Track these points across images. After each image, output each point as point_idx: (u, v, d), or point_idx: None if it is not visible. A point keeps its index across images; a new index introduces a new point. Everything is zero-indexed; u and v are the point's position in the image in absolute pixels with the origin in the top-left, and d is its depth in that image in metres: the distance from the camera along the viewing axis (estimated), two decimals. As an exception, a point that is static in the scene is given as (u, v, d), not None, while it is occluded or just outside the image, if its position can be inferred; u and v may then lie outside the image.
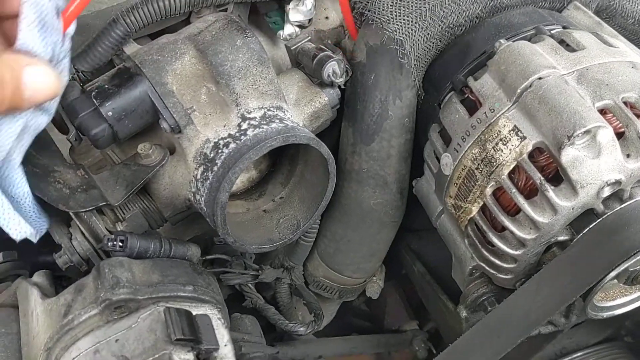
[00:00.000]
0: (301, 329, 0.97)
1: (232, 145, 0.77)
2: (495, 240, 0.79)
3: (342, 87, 0.92)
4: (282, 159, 0.95)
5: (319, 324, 0.99)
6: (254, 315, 0.92)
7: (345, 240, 1.00)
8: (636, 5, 1.00)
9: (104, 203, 0.73)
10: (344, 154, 0.96)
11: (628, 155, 0.73)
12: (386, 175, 0.94)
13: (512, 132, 0.77)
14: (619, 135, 0.74)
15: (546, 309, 0.77)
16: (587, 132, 0.71)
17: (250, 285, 0.96)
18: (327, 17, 1.05)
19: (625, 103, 0.75)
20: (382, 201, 0.96)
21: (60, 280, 0.83)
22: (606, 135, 0.72)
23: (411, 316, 1.31)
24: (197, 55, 0.77)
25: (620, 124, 0.75)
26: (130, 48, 0.79)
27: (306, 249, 1.00)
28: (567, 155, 0.72)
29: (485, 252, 0.82)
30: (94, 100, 0.74)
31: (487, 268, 0.84)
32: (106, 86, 0.75)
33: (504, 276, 0.83)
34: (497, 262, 0.82)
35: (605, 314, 0.84)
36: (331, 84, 0.89)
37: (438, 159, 0.88)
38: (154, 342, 0.64)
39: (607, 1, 0.99)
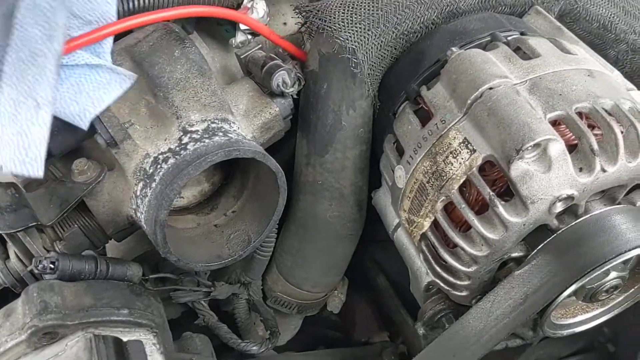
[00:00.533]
0: (254, 347, 0.94)
1: (171, 161, 0.74)
2: (447, 257, 0.76)
3: (295, 96, 0.89)
4: (234, 172, 0.92)
5: (274, 342, 0.97)
6: (207, 333, 0.89)
7: (302, 254, 0.97)
8: (600, 8, 0.97)
9: (35, 223, 0.70)
10: (298, 165, 0.93)
11: (580, 169, 0.70)
12: (342, 187, 0.91)
13: (462, 144, 0.74)
14: (572, 147, 0.71)
15: (500, 329, 0.74)
16: (537, 145, 0.68)
17: (203, 302, 0.93)
18: (285, 23, 1.02)
19: (579, 114, 0.72)
20: (338, 214, 0.93)
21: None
22: (557, 148, 0.69)
23: (382, 327, 1.28)
24: (134, 67, 0.74)
25: (573, 136, 0.72)
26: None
27: (263, 263, 0.97)
28: (517, 170, 0.69)
29: (438, 269, 0.80)
30: (25, 116, 0.71)
31: (442, 284, 0.81)
32: (37, 100, 0.72)
33: (458, 293, 0.80)
34: (451, 279, 0.79)
35: (565, 332, 0.81)
36: (282, 94, 0.86)
37: (393, 171, 0.85)
38: (78, 371, 0.61)
39: (571, 5, 0.96)
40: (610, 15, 0.98)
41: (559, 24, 0.91)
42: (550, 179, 0.69)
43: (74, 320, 0.66)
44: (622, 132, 0.71)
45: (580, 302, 0.80)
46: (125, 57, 0.75)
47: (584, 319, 0.82)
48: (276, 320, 1.00)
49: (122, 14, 0.77)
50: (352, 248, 0.98)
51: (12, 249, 0.75)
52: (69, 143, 0.74)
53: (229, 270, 0.99)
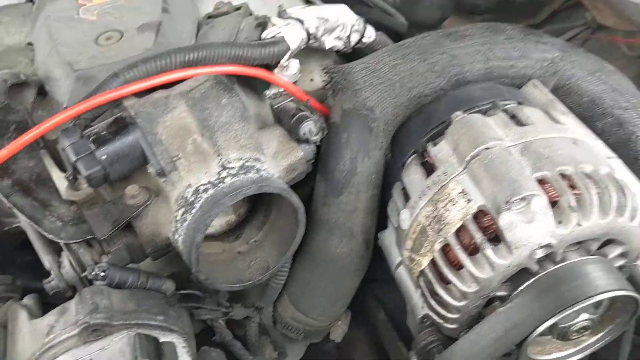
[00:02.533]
0: (261, 363, 1.04)
1: (211, 191, 0.86)
2: (441, 292, 0.88)
3: (318, 144, 1.02)
4: (259, 206, 1.04)
5: (278, 362, 1.07)
6: (223, 350, 1.00)
7: (313, 285, 1.08)
8: (590, 84, 1.10)
9: (91, 236, 0.82)
10: (315, 204, 1.05)
11: (559, 222, 0.81)
12: (353, 226, 1.03)
13: (460, 194, 0.86)
14: (554, 203, 0.83)
15: (483, 358, 0.84)
16: (523, 199, 0.80)
17: (220, 321, 1.04)
18: (312, 80, 1.16)
19: (562, 175, 0.84)
20: (347, 250, 1.04)
21: (47, 306, 0.91)
22: (540, 203, 0.81)
23: (379, 361, 1.37)
24: (187, 110, 0.88)
25: (556, 194, 0.84)
26: (128, 100, 0.89)
27: (276, 291, 1.08)
28: (505, 219, 0.81)
29: (433, 302, 0.90)
30: (91, 145, 0.84)
31: (435, 317, 0.92)
32: (103, 132, 0.85)
33: (449, 325, 0.91)
34: (443, 312, 0.89)
35: (543, 367, 0.91)
36: (307, 141, 0.98)
37: (399, 214, 0.97)
38: (122, 363, 0.72)
39: (564, 81, 1.09)
40: (599, 91, 1.10)
41: (552, 96, 1.05)
42: (532, 229, 0.81)
43: (119, 320, 0.77)
44: (597, 193, 0.83)
45: (555, 341, 0.90)
46: (180, 100, 0.88)
47: (558, 357, 0.92)
48: (285, 343, 1.10)
49: (176, 67, 0.91)
50: (357, 282, 1.09)
51: (65, 258, 0.87)
52: (125, 171, 0.87)
53: (245, 295, 1.10)
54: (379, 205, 1.06)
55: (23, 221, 0.90)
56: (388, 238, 1.03)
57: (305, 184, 1.09)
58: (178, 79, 0.90)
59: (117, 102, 0.88)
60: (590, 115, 1.11)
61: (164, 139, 0.86)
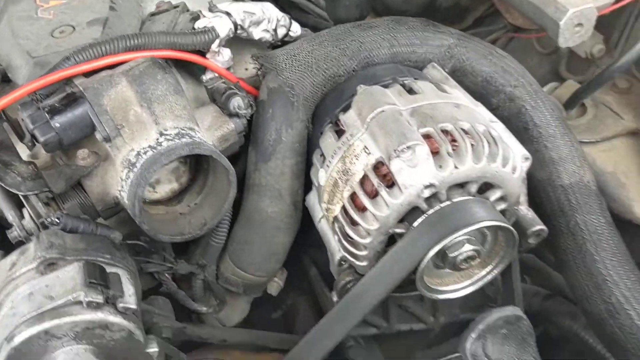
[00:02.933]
0: (204, 308, 1.18)
1: (150, 153, 1.01)
2: (351, 232, 1.04)
3: (248, 118, 1.18)
4: (199, 175, 1.19)
5: (221, 308, 1.21)
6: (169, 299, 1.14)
7: (249, 243, 1.23)
8: (483, 66, 1.28)
9: (48, 190, 0.97)
10: (248, 171, 1.21)
11: (440, 166, 0.98)
12: (281, 189, 1.19)
13: (362, 150, 1.03)
14: (437, 153, 1.00)
15: (388, 283, 1.00)
16: (409, 147, 0.97)
17: (166, 274, 1.18)
18: (246, 69, 1.32)
19: (443, 130, 1.02)
20: (278, 210, 1.20)
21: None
22: (422, 150, 0.97)
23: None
24: (127, 85, 1.03)
25: (438, 146, 1.01)
26: (78, 79, 1.04)
27: (217, 249, 1.23)
28: (395, 165, 0.98)
29: (345, 243, 1.06)
30: (46, 115, 0.99)
31: (349, 257, 1.08)
32: (57, 105, 1.00)
33: (360, 263, 1.06)
34: (354, 250, 1.05)
35: (440, 296, 1.07)
36: (237, 115, 1.14)
37: (318, 175, 1.13)
38: (73, 285, 0.86)
39: (460, 63, 1.27)
40: (492, 72, 1.28)
41: (446, 74, 1.23)
42: (417, 172, 0.97)
43: (71, 256, 0.91)
44: (472, 144, 1.00)
45: (451, 273, 1.06)
46: (122, 78, 1.04)
47: (454, 288, 1.08)
48: (225, 297, 1.24)
49: (118, 51, 1.07)
50: (288, 240, 1.24)
51: (26, 212, 1.01)
52: (76, 137, 1.01)
53: (189, 254, 1.24)
54: (305, 173, 1.22)
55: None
56: (312, 199, 1.19)
57: (240, 161, 1.25)
58: (121, 61, 1.05)
59: (68, 81, 1.03)
60: (485, 92, 1.29)
61: (109, 109, 1.02)
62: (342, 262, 1.11)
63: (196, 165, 1.18)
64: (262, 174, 1.18)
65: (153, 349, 0.94)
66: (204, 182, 1.17)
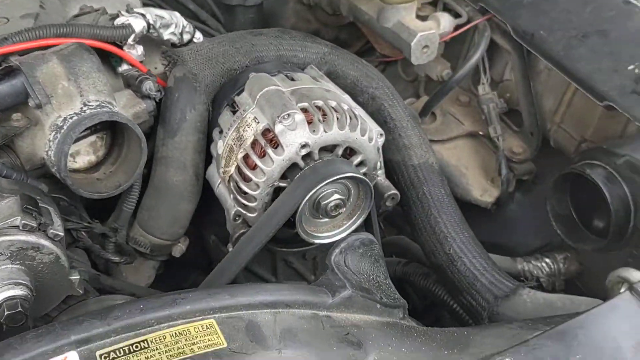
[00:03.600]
0: (115, 258, 1.37)
1: (75, 118, 1.22)
2: (243, 186, 1.28)
3: (157, 101, 1.41)
4: (114, 148, 1.40)
5: (129, 261, 1.40)
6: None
7: (156, 210, 1.43)
8: (350, 71, 1.61)
9: (-18, 147, 1.15)
10: (157, 146, 1.43)
11: (313, 131, 1.27)
12: (185, 161, 1.42)
13: (253, 120, 1.30)
14: (310, 122, 1.28)
15: (271, 228, 1.25)
16: (289, 115, 1.25)
17: (83, 232, 1.36)
18: (155, 67, 1.56)
19: (316, 106, 1.30)
20: (181, 179, 1.42)
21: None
22: (299, 117, 1.25)
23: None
24: (58, 62, 1.24)
25: (312, 116, 1.29)
26: (14, 56, 1.24)
27: (128, 214, 1.42)
28: (278, 128, 1.24)
29: (239, 197, 1.31)
30: (-15, 84, 1.18)
31: (242, 210, 1.32)
32: (-5, 77, 1.19)
33: (251, 215, 1.31)
34: (246, 202, 1.30)
35: (316, 241, 1.33)
36: (148, 97, 1.38)
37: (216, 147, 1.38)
38: (11, 212, 1.04)
39: (332, 67, 1.59)
40: (358, 76, 1.60)
41: (321, 73, 1.53)
42: (295, 134, 1.25)
43: (8, 194, 1.09)
44: (337, 117, 1.30)
45: (325, 222, 1.33)
46: (53, 56, 1.24)
47: (328, 235, 1.35)
48: (134, 256, 1.44)
49: (49, 36, 1.28)
50: (191, 207, 1.45)
51: (-36, 167, 1.17)
52: (12, 103, 1.20)
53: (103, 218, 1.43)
54: (206, 150, 1.46)
55: None
56: (212, 170, 1.43)
57: (149, 142, 1.47)
58: (51, 44, 1.27)
59: (5, 57, 1.23)
60: (353, 92, 1.61)
61: (41, 81, 1.22)
62: (237, 217, 1.35)
63: (112, 140, 1.38)
64: (169, 147, 1.41)
65: (75, 276, 1.13)
66: (119, 154, 1.38)
